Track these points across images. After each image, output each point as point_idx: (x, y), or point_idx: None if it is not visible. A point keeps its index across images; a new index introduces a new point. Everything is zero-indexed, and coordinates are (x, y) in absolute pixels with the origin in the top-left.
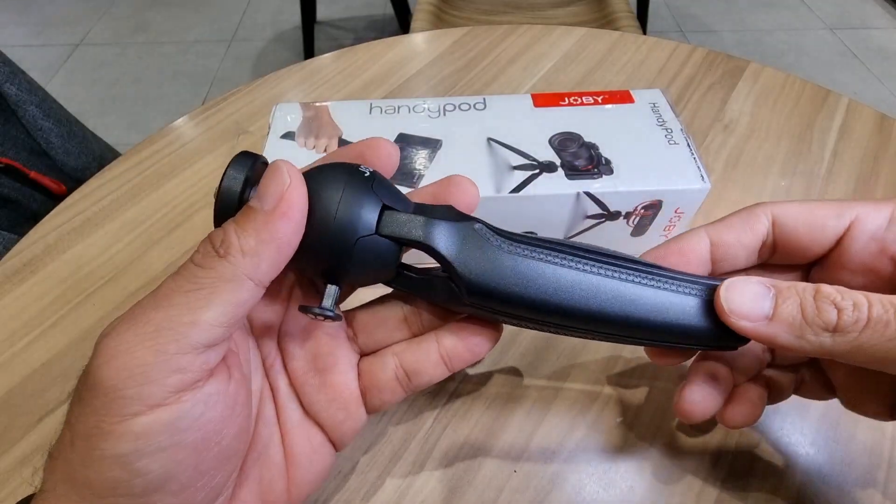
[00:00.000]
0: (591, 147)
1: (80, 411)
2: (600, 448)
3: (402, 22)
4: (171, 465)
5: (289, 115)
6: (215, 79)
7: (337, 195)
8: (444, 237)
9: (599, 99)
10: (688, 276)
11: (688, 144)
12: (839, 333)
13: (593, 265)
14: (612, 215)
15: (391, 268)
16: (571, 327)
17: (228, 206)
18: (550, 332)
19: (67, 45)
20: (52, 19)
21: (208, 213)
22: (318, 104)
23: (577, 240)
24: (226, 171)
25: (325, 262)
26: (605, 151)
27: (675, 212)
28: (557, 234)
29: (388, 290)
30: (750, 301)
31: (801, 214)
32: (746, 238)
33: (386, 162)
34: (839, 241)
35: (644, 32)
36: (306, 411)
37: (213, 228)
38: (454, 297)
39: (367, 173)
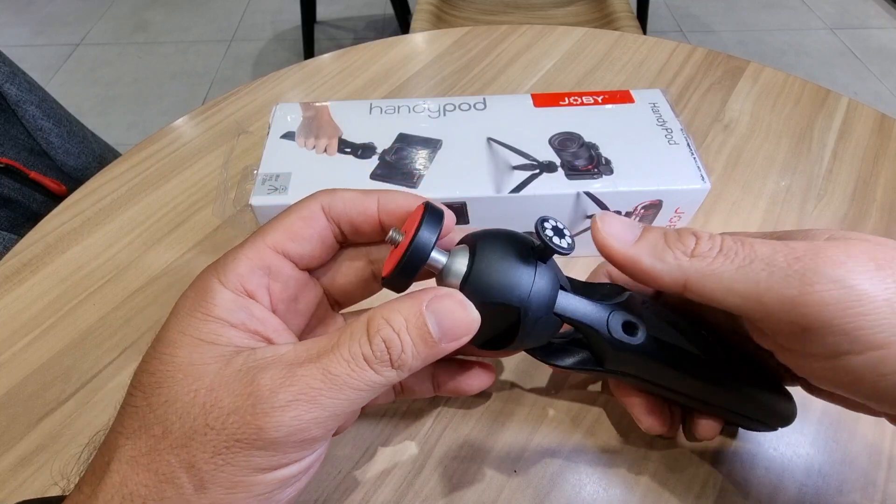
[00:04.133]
0: (591, 147)
1: (222, 461)
2: (600, 448)
3: (402, 22)
4: (296, 491)
5: (289, 115)
6: (215, 79)
7: (531, 272)
8: (603, 322)
9: (599, 99)
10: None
11: (688, 144)
12: (696, 258)
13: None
14: None
15: (547, 339)
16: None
17: (416, 266)
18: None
19: (67, 44)
20: (52, 19)
21: (208, 213)
22: (318, 104)
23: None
24: (419, 225)
25: (502, 336)
26: (605, 151)
27: (676, 212)
28: None
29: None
30: (621, 227)
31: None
32: None
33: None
34: None
35: (644, 32)
36: None
37: (213, 226)
38: (587, 364)
39: (561, 251)
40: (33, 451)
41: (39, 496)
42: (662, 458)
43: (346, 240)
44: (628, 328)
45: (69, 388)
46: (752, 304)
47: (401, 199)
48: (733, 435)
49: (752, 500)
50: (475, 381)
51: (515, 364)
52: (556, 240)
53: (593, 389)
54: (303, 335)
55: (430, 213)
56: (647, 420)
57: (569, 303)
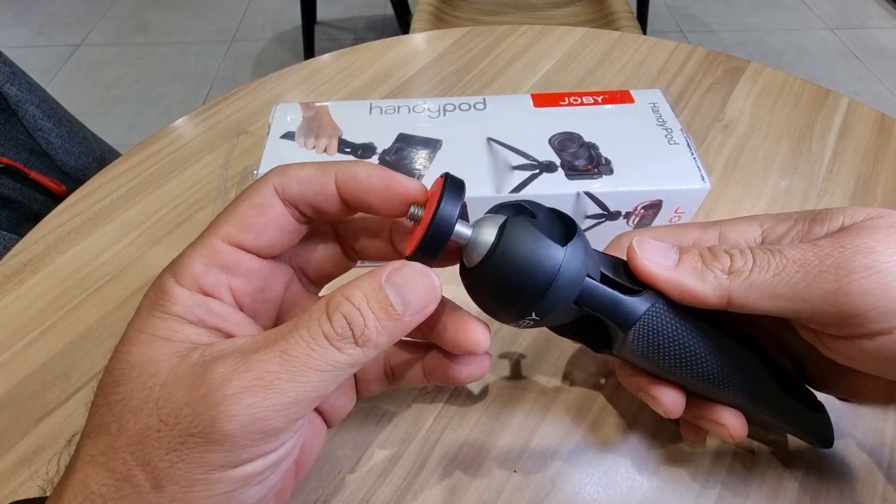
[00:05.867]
0: (591, 147)
1: (177, 458)
2: (600, 448)
3: (402, 22)
4: (265, 489)
5: (289, 115)
6: (215, 79)
7: (556, 263)
8: (622, 315)
9: (599, 99)
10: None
11: (688, 144)
12: (734, 274)
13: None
14: (612, 215)
15: (571, 319)
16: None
17: (441, 241)
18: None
19: (68, 45)
20: (53, 20)
21: (208, 213)
22: (318, 104)
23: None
24: (440, 198)
25: (515, 314)
26: (605, 151)
27: (676, 212)
28: None
29: None
30: (659, 250)
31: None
32: (750, 232)
33: (402, 210)
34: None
35: (644, 32)
36: None
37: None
38: (601, 344)
39: (581, 231)
40: (33, 451)
41: (28, 497)
42: (663, 458)
43: (307, 220)
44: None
45: (69, 388)
46: (797, 304)
47: (359, 170)
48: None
49: (752, 500)
50: (467, 369)
51: (516, 364)
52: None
53: (594, 390)
54: (277, 322)
55: (452, 184)
56: (664, 399)
57: (593, 295)
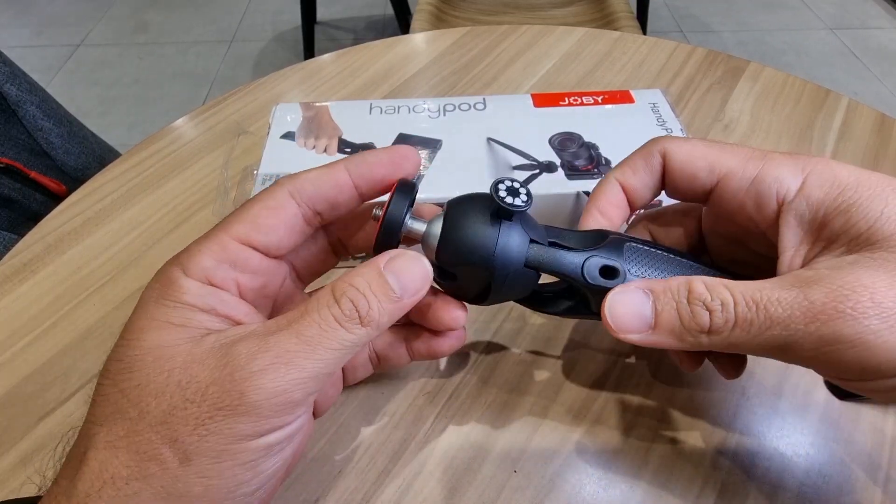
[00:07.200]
0: (591, 147)
1: (205, 431)
2: (600, 448)
3: (402, 22)
4: (281, 460)
5: (289, 115)
6: (215, 79)
7: (494, 233)
8: (577, 269)
9: (599, 99)
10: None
11: None
12: (713, 334)
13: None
14: None
15: (528, 291)
16: None
17: (392, 234)
18: None
19: (68, 45)
20: (53, 20)
21: (208, 213)
22: (318, 104)
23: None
24: (390, 200)
25: (478, 292)
26: (605, 151)
27: None
28: None
29: None
30: (632, 314)
31: (687, 160)
32: (649, 179)
33: (413, 171)
34: (713, 190)
35: (644, 32)
36: None
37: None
38: (579, 310)
39: (517, 208)
40: (33, 451)
41: (15, 497)
42: (663, 458)
43: (322, 220)
44: (607, 272)
45: (69, 388)
46: (778, 356)
47: (368, 157)
48: (734, 435)
49: (752, 500)
50: (448, 343)
51: (515, 364)
52: (508, 199)
53: (594, 390)
54: (271, 315)
55: (400, 187)
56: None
57: (540, 255)
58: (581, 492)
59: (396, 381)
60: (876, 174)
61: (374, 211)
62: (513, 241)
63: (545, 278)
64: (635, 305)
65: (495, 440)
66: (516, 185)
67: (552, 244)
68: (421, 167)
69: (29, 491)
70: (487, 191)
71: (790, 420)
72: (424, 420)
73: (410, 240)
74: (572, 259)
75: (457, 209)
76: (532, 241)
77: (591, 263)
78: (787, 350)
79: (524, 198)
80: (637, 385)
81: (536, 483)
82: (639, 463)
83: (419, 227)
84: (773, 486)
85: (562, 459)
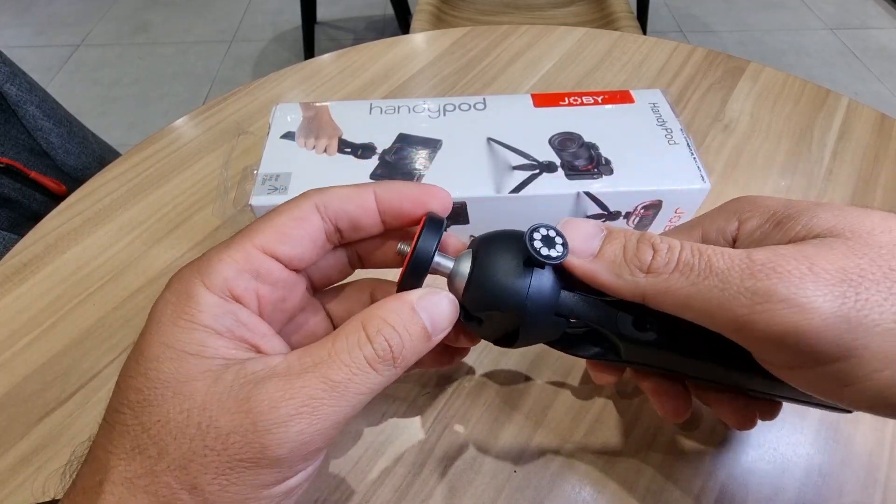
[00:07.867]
0: (591, 147)
1: (226, 481)
2: (600, 448)
3: (402, 22)
4: (299, 494)
5: (289, 115)
6: (215, 79)
7: (526, 282)
8: (611, 322)
9: (599, 99)
10: None
11: (688, 144)
12: (652, 274)
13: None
14: (612, 215)
15: (557, 335)
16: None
17: (420, 272)
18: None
19: (68, 45)
20: (53, 20)
21: (208, 214)
22: (318, 104)
23: None
24: (419, 235)
25: (503, 336)
26: (605, 151)
27: (676, 212)
28: None
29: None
30: (581, 239)
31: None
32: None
33: (441, 213)
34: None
35: (644, 32)
36: None
37: (214, 227)
38: (607, 357)
39: (552, 261)
40: (33, 451)
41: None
42: (663, 458)
43: (342, 239)
44: (640, 325)
45: (69, 388)
46: (707, 320)
47: (399, 187)
48: (734, 435)
49: (752, 500)
50: (457, 357)
51: (515, 364)
52: (543, 251)
53: (594, 390)
54: (284, 327)
55: (429, 223)
56: (665, 407)
57: (571, 304)
58: (581, 492)
59: (397, 381)
60: (803, 200)
61: (399, 246)
62: (544, 290)
63: None
64: (587, 232)
65: (495, 440)
66: (552, 233)
67: (579, 288)
68: (449, 210)
69: (30, 492)
70: (516, 229)
71: (790, 421)
72: (424, 420)
73: (433, 273)
74: (605, 311)
75: (487, 251)
76: (563, 288)
77: (624, 317)
78: (722, 310)
79: (560, 248)
80: (637, 385)
81: (536, 483)
82: (639, 463)
83: (447, 264)
84: (773, 486)
85: (562, 459)
